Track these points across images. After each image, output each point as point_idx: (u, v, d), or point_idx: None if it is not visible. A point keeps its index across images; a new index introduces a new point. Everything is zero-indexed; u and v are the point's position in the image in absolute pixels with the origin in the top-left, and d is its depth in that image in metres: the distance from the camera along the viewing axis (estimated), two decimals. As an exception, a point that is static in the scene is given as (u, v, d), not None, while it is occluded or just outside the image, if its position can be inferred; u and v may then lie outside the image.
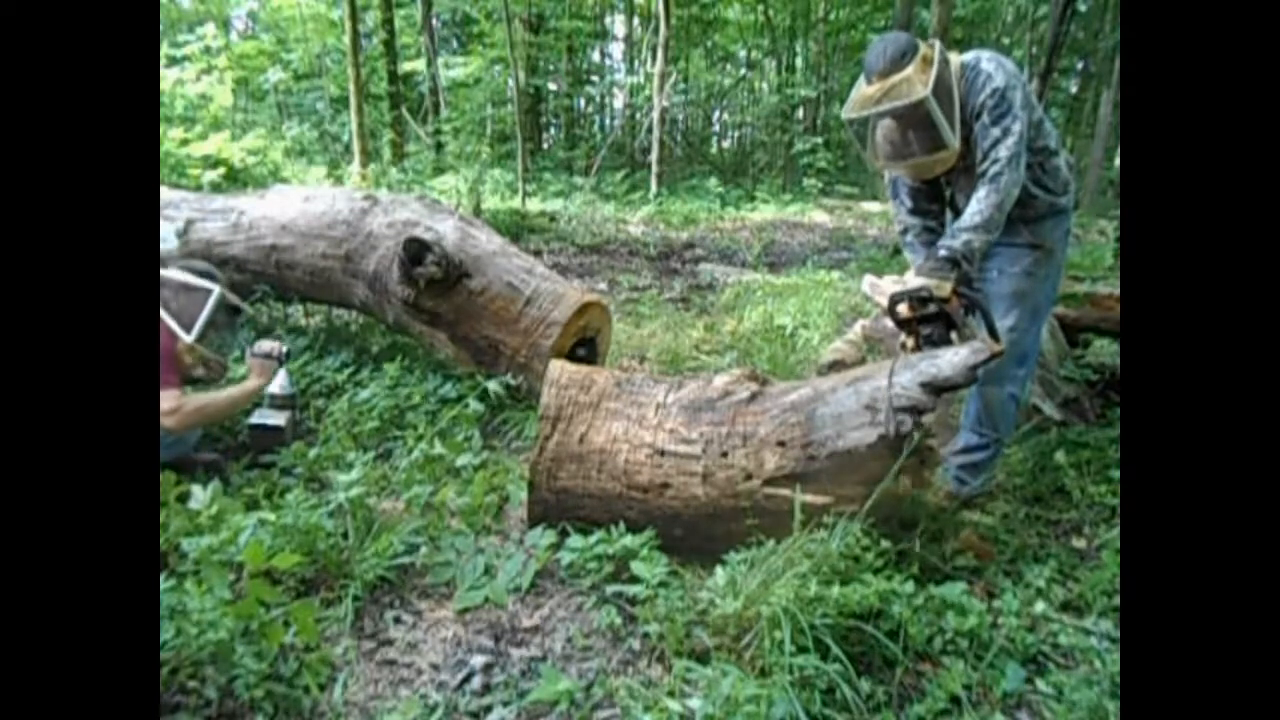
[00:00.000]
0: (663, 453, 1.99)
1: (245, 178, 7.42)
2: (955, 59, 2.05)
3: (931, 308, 1.93)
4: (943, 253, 1.95)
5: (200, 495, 1.86)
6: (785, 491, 1.83)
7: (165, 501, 1.87)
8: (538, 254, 6.71)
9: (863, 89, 2.03)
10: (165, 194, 3.65)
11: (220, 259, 3.31)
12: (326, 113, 14.60)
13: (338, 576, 1.88)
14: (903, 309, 1.97)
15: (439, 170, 10.56)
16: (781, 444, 1.89)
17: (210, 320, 2.36)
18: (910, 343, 2.00)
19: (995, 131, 1.96)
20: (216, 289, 2.39)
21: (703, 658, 1.63)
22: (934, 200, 2.29)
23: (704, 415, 2.01)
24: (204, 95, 8.27)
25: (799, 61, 19.05)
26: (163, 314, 2.27)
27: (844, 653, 1.54)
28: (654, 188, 11.93)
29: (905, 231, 2.33)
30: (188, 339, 2.31)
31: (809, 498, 1.83)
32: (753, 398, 2.01)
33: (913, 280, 1.95)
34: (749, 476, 1.89)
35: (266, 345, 2.54)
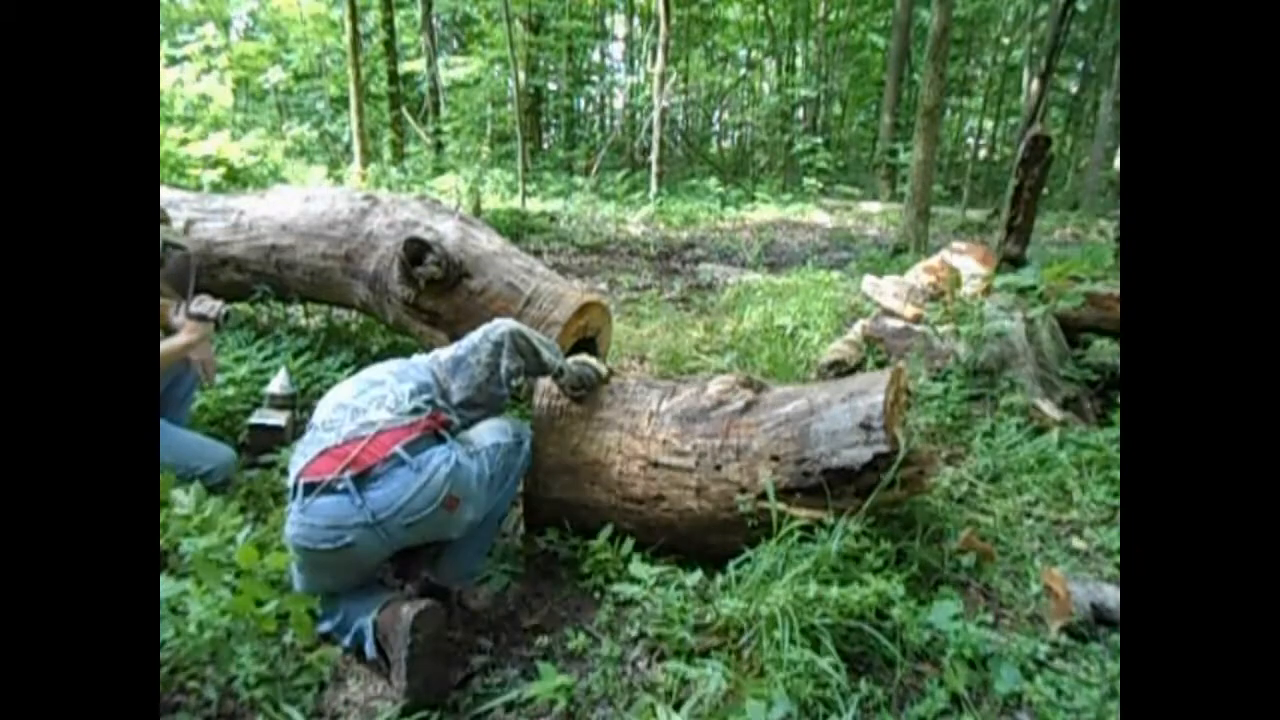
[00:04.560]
0: (656, 465, 1.95)
1: (245, 178, 7.41)
2: None
3: None
4: None
5: (184, 499, 1.85)
6: (781, 506, 1.81)
7: (165, 501, 1.87)
8: (538, 254, 6.70)
9: None
10: (165, 194, 3.64)
11: (220, 259, 3.31)
12: (326, 113, 14.60)
13: (337, 576, 1.88)
14: None
15: (439, 170, 10.56)
16: (775, 459, 1.86)
17: None
18: None
19: None
20: None
21: (702, 657, 1.63)
22: None
23: (697, 426, 1.97)
24: (204, 95, 8.25)
25: (799, 61, 19.03)
26: None
27: (843, 653, 1.53)
28: (654, 188, 11.91)
29: None
30: None
31: (803, 512, 1.82)
32: (747, 407, 1.97)
33: None
34: (743, 490, 1.86)
35: (208, 304, 2.26)
